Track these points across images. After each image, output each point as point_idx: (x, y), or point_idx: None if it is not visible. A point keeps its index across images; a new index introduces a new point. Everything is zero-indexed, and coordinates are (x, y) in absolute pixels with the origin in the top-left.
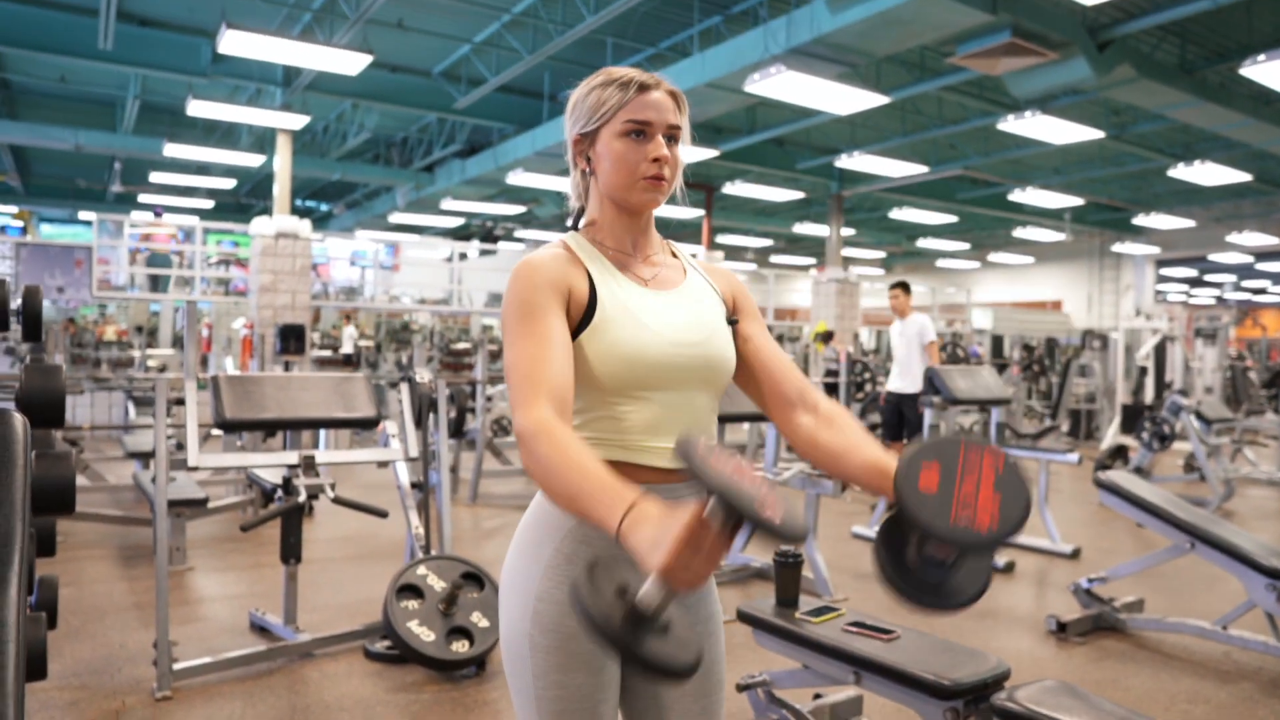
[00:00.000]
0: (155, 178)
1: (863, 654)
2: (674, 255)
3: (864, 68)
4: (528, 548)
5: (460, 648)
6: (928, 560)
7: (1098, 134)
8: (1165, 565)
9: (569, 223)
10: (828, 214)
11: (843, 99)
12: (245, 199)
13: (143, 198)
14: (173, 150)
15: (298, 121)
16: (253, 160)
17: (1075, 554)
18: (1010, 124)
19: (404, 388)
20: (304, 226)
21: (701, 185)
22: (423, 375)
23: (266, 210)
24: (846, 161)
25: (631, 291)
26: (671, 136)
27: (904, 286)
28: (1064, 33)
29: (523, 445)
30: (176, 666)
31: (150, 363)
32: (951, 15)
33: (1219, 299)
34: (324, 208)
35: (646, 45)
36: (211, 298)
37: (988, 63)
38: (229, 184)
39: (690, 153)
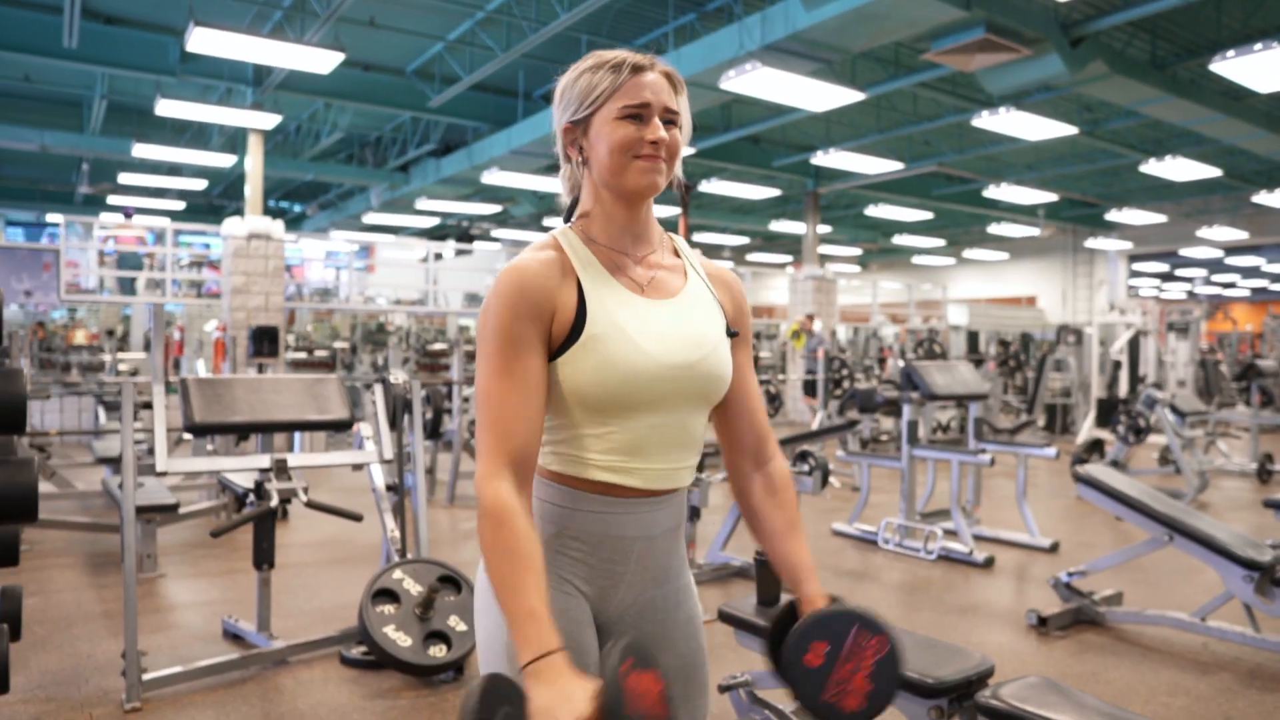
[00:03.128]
0: (124, 179)
1: None
2: (675, 253)
3: (839, 64)
4: None
5: (438, 652)
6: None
7: (1071, 130)
8: (1142, 558)
9: (564, 217)
10: (804, 211)
11: (818, 95)
12: (217, 200)
13: (112, 199)
14: (142, 151)
15: (269, 121)
16: (224, 161)
17: (1054, 548)
18: (985, 120)
19: (378, 389)
20: (277, 227)
21: (677, 184)
22: (398, 376)
23: (239, 211)
24: (822, 158)
25: (624, 301)
26: (669, 120)
27: None
28: (1037, 29)
29: (481, 513)
30: (146, 677)
31: (121, 366)
32: (926, 11)
33: (1190, 293)
34: (297, 208)
35: (621, 42)
36: (183, 300)
37: (962, 59)
38: (200, 185)
39: None
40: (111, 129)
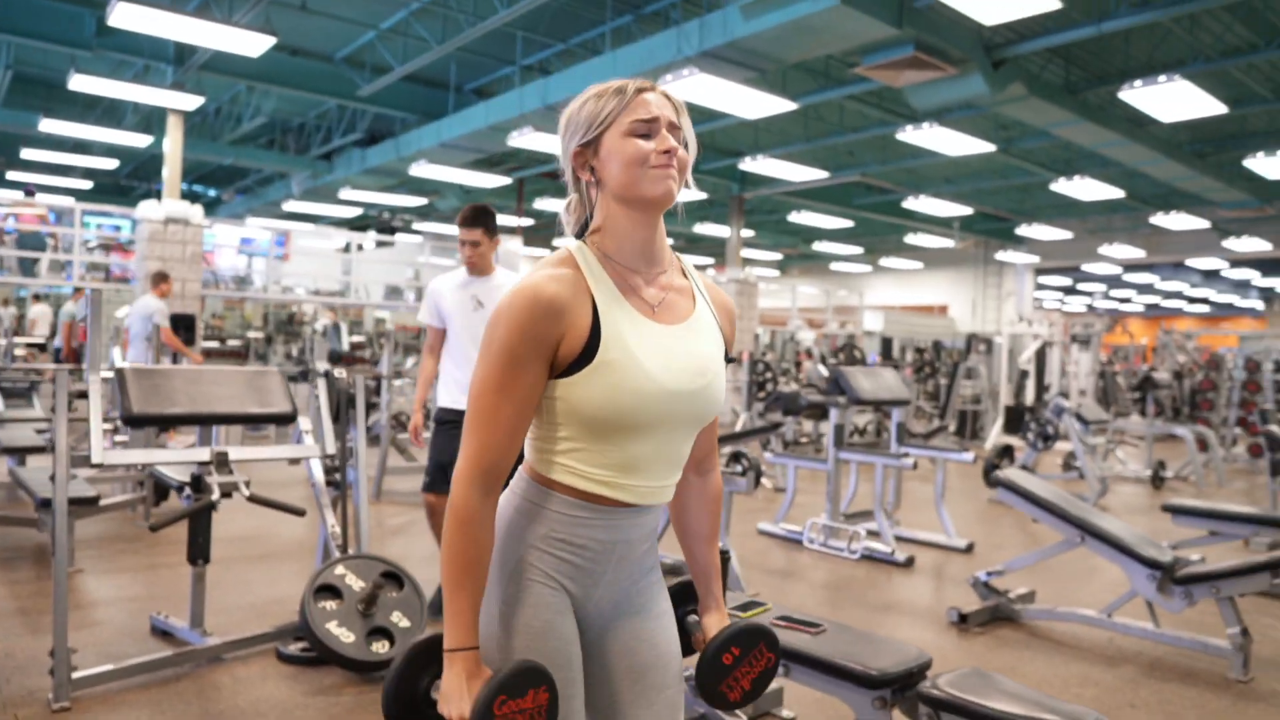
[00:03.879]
0: (28, 154)
1: (792, 647)
2: (684, 274)
3: (772, 74)
4: (494, 554)
5: (381, 648)
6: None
7: (988, 147)
8: (1050, 558)
9: (569, 232)
10: (728, 215)
11: (752, 103)
12: (126, 181)
13: (11, 175)
14: (49, 126)
15: (191, 102)
16: (139, 140)
17: (969, 548)
18: (908, 134)
19: (321, 383)
20: (196, 212)
21: None
22: (336, 370)
23: (151, 193)
24: (749, 164)
25: (636, 324)
26: (674, 134)
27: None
28: (963, 50)
29: (449, 511)
30: (75, 675)
31: (17, 351)
32: (860, 27)
33: (1090, 307)
34: (212, 193)
35: (557, 41)
36: (90, 284)
37: (891, 74)
38: (110, 164)
39: None
40: (16, 101)
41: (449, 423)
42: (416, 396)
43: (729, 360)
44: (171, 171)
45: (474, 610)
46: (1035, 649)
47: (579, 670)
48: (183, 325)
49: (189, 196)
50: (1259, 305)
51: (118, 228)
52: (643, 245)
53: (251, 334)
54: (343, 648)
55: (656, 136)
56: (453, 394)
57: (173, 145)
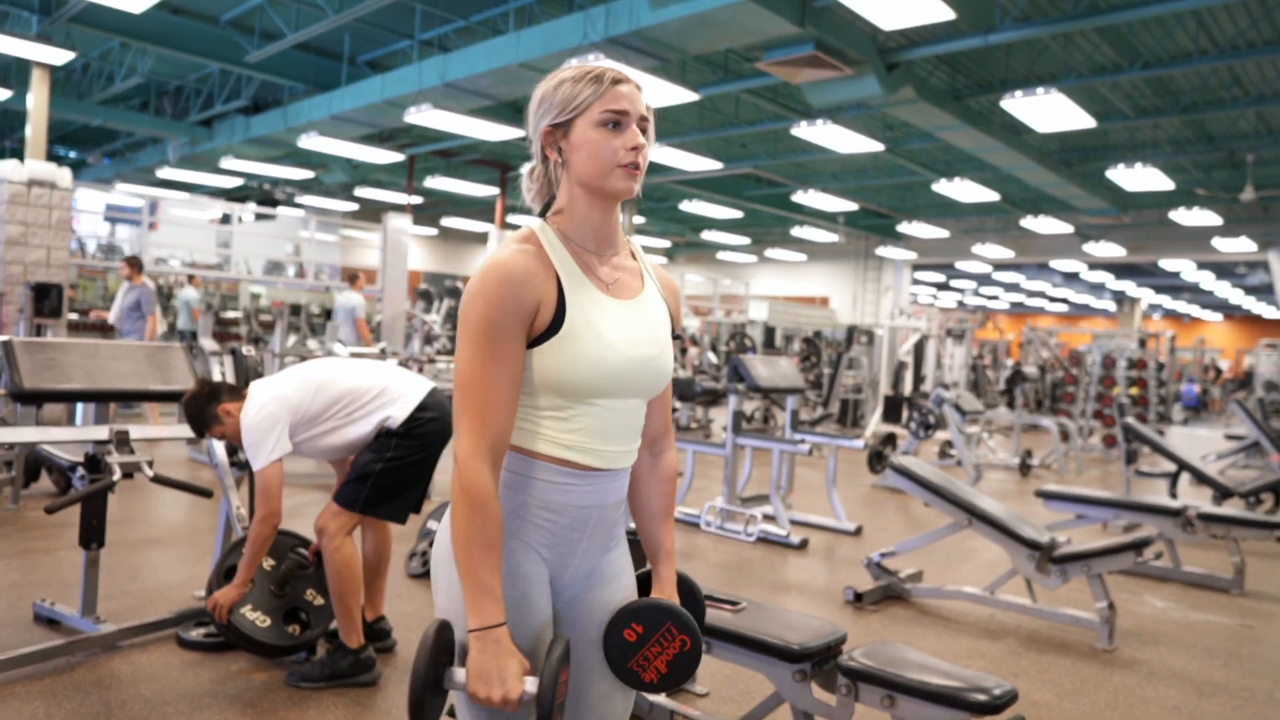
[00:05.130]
0: None
1: (714, 624)
2: (633, 256)
3: (673, 63)
4: None
5: (295, 631)
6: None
7: (877, 146)
8: (937, 540)
9: (528, 197)
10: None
11: (654, 93)
12: None
13: None
14: None
15: (60, 56)
16: None
17: (858, 531)
18: (802, 130)
19: (229, 360)
20: (63, 175)
21: (497, 164)
22: (244, 347)
23: (4, 152)
24: None
25: (595, 300)
26: (642, 128)
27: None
28: (860, 51)
29: (459, 490)
30: None
31: None
32: (764, 23)
33: (960, 303)
34: (73, 155)
35: (458, 17)
36: None
37: (790, 71)
38: None
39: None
40: None
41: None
42: (248, 561)
43: (676, 337)
44: (35, 130)
45: (498, 585)
46: (925, 625)
47: (546, 644)
48: (48, 295)
49: (50, 157)
50: (1111, 306)
51: None
52: (598, 228)
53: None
54: (260, 634)
55: (627, 130)
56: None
57: (38, 102)
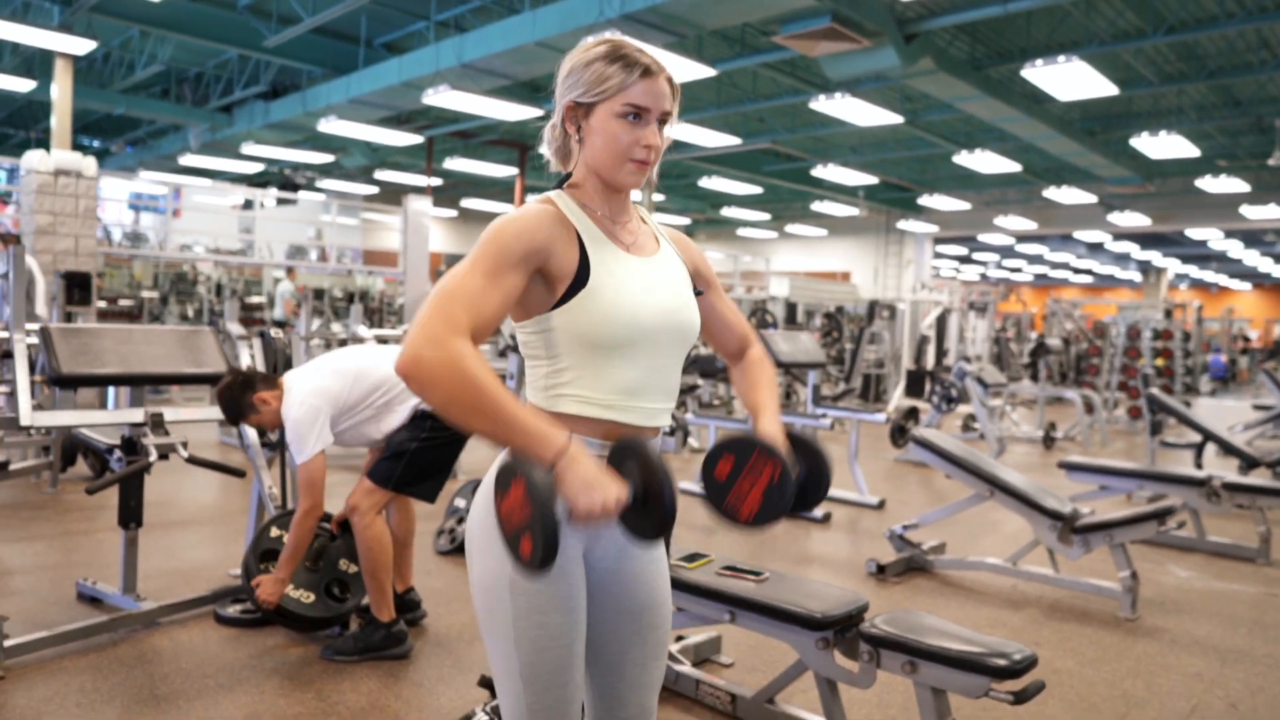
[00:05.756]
0: None
1: (738, 594)
2: (643, 221)
3: (689, 39)
4: None
5: (337, 599)
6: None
7: (896, 118)
8: (959, 512)
9: (547, 152)
10: None
11: (670, 68)
12: (1, 127)
13: None
14: None
15: (83, 46)
16: (20, 85)
17: (881, 505)
18: (820, 103)
19: (257, 343)
20: (89, 164)
21: (516, 144)
22: (272, 330)
23: (30, 142)
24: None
25: (619, 257)
26: (662, 121)
27: None
28: (877, 23)
29: (444, 354)
30: (6, 644)
31: None
32: None
33: (983, 276)
34: (96, 144)
35: None
36: None
37: (807, 44)
38: None
39: (507, 111)
40: None
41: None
42: (290, 553)
43: (698, 293)
44: (60, 120)
45: (538, 417)
46: (948, 596)
47: (583, 614)
48: (77, 284)
49: (75, 147)
50: (1137, 277)
51: None
52: (610, 200)
53: (145, 294)
54: (308, 609)
55: (645, 127)
56: None
57: (61, 92)
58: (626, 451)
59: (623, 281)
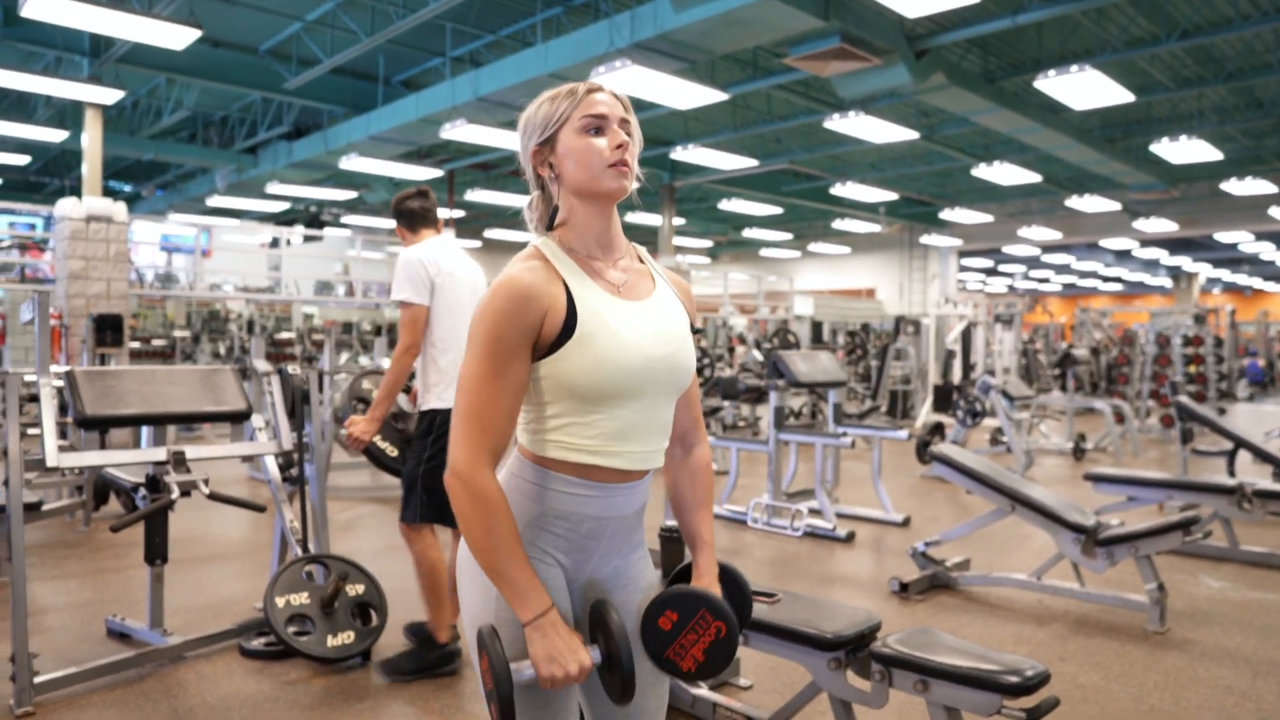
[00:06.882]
0: None
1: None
2: (639, 260)
3: (702, 64)
4: None
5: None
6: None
7: (912, 134)
8: (981, 527)
9: (533, 228)
10: (660, 203)
11: (683, 94)
12: (36, 177)
13: None
14: None
15: (111, 96)
16: (54, 136)
17: (906, 522)
18: (835, 122)
19: (275, 379)
20: (119, 209)
21: None
22: (263, 365)
23: (64, 190)
24: (680, 154)
25: (606, 302)
26: (624, 129)
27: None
28: (887, 41)
29: (471, 498)
30: (37, 680)
31: None
32: (788, 19)
33: (1010, 287)
34: (128, 189)
35: (487, 32)
36: (4, 285)
37: (818, 65)
38: (21, 160)
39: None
40: None
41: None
42: (385, 392)
43: (695, 331)
44: (91, 167)
45: (535, 575)
46: (972, 612)
47: None
48: (109, 326)
49: (106, 193)
50: (1167, 283)
51: (31, 226)
52: (600, 234)
53: (178, 333)
54: (390, 460)
55: (608, 132)
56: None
57: (92, 140)
58: (596, 615)
59: (610, 330)
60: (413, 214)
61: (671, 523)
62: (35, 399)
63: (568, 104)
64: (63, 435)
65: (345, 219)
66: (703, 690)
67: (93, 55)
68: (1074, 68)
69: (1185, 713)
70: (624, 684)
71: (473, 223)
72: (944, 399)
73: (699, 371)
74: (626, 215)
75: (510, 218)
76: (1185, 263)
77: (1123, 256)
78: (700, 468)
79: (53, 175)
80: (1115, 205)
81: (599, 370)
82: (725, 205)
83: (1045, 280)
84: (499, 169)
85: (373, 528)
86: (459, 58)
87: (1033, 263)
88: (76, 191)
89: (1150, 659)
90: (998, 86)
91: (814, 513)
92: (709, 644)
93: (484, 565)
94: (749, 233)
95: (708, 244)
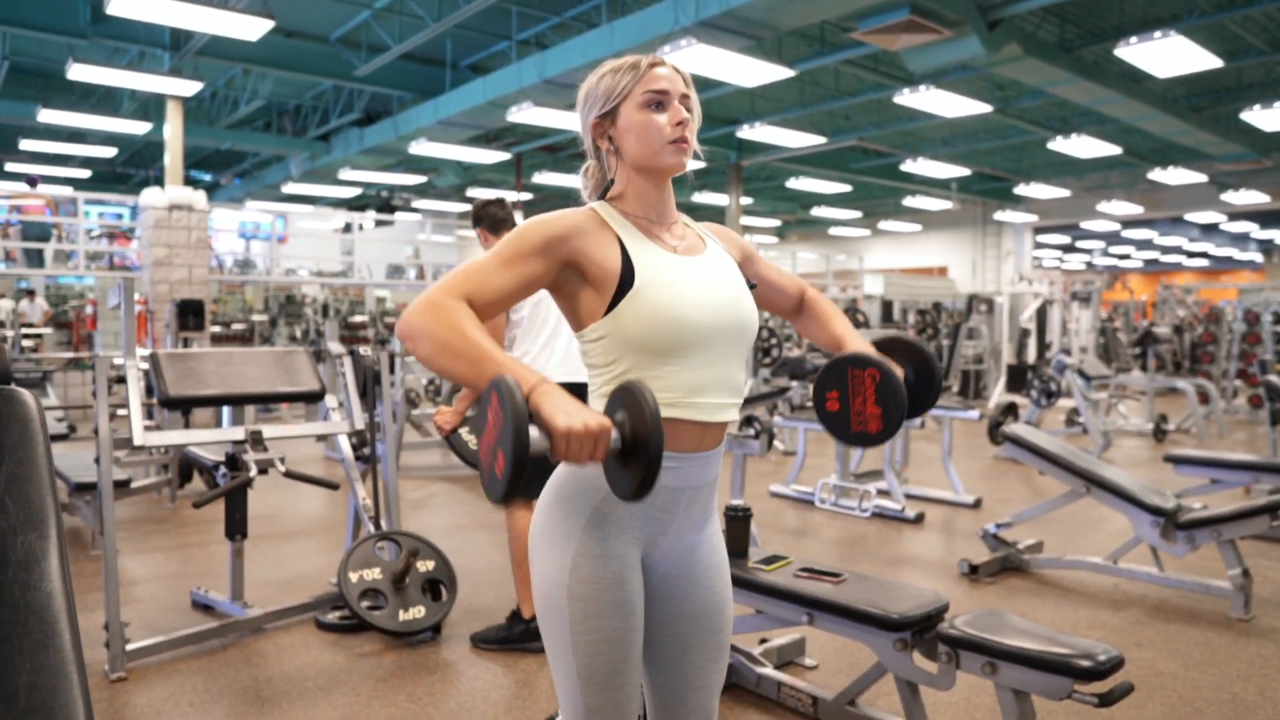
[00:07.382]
0: (26, 145)
1: (815, 596)
2: (686, 225)
3: (768, 41)
4: (564, 507)
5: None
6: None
7: (985, 108)
8: (1055, 510)
9: (586, 196)
10: (726, 183)
11: (749, 71)
12: (123, 168)
13: (10, 166)
14: (48, 116)
15: (190, 88)
16: (138, 128)
17: (977, 504)
18: (905, 97)
19: (348, 361)
20: (199, 198)
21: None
22: (337, 348)
23: (148, 180)
24: (747, 132)
25: (664, 257)
26: (684, 105)
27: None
28: (958, 11)
29: (430, 305)
30: (129, 647)
31: (25, 343)
32: None
33: (1089, 264)
34: (208, 178)
35: (552, 14)
36: (95, 273)
37: (887, 38)
38: (108, 152)
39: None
40: (12, 92)
41: None
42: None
43: (752, 286)
44: (173, 158)
45: (511, 359)
46: (1044, 596)
47: (640, 619)
48: (191, 311)
49: (187, 182)
50: (1258, 258)
51: (119, 215)
52: (655, 204)
53: (256, 317)
54: (469, 451)
55: (669, 108)
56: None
57: (173, 131)
58: (623, 395)
59: (671, 282)
60: (495, 219)
61: (737, 501)
62: (123, 380)
63: (630, 78)
64: (149, 415)
65: (415, 203)
66: (768, 669)
67: (173, 49)
68: (1157, 34)
69: (1271, 704)
70: (645, 474)
71: (541, 205)
72: (1018, 379)
73: (765, 351)
74: (693, 195)
75: (578, 199)
76: (1278, 236)
77: (1209, 230)
78: (812, 300)
79: (138, 166)
80: (1201, 177)
81: (661, 322)
82: (793, 184)
83: (1125, 256)
84: (565, 151)
85: (443, 506)
86: (525, 40)
87: (1112, 238)
88: (160, 181)
89: (1233, 647)
90: (1075, 56)
91: (882, 493)
92: (874, 395)
93: (468, 371)
94: (817, 211)
95: (776, 223)
